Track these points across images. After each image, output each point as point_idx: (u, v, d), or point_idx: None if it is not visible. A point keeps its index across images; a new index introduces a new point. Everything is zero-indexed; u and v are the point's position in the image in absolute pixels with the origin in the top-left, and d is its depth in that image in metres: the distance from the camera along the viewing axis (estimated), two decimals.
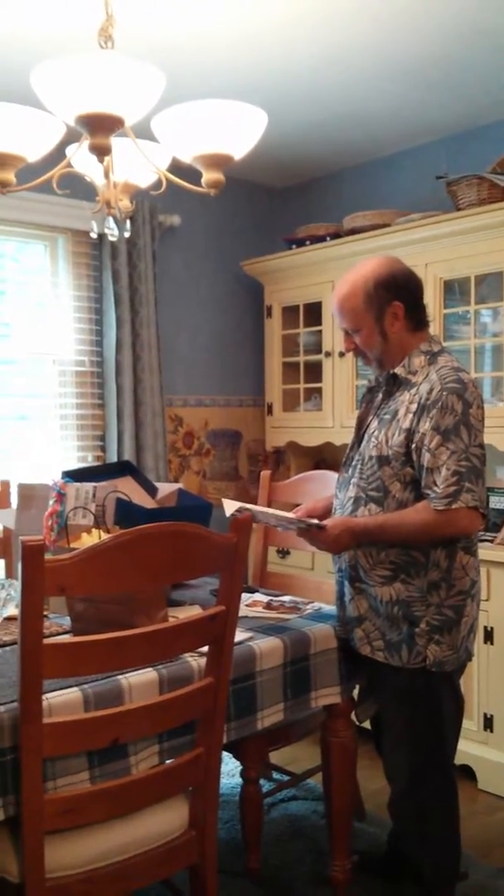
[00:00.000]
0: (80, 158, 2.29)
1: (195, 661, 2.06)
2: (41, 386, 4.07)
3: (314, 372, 4.27)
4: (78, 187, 2.63)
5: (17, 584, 1.65)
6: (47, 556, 1.62)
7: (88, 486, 2.66)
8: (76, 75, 1.88)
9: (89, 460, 4.16)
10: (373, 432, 2.33)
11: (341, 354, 3.99)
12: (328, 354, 4.11)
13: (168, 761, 1.97)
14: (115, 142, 2.14)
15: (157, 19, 2.79)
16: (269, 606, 2.61)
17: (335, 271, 3.96)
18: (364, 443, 2.37)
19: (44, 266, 4.07)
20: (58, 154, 2.29)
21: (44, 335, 4.04)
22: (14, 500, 3.06)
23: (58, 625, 2.28)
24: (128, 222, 2.55)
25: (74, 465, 4.01)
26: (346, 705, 2.45)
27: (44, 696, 1.72)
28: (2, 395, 3.95)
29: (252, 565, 3.25)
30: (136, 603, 2.03)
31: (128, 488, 2.77)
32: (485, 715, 3.23)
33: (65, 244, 4.07)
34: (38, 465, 3.99)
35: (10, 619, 2.34)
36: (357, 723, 2.52)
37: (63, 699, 1.82)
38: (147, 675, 1.96)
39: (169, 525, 1.78)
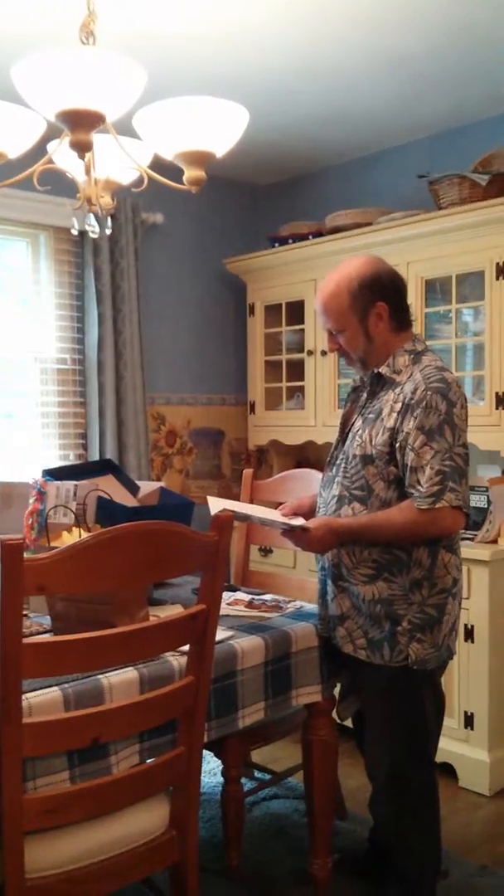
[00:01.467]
0: (62, 155, 2.28)
1: (176, 660, 2.05)
2: (23, 384, 4.05)
3: (296, 370, 4.26)
4: (60, 184, 2.62)
5: None
6: (27, 555, 1.61)
7: (69, 485, 2.64)
8: (57, 71, 1.87)
9: (71, 458, 4.14)
10: (357, 431, 2.33)
11: (323, 353, 3.99)
12: (310, 353, 4.11)
13: (149, 760, 1.97)
14: (97, 138, 2.13)
15: (138, 15, 2.78)
16: (250, 605, 2.61)
17: (318, 270, 3.96)
18: (348, 442, 2.37)
19: (25, 263, 4.05)
20: (39, 150, 2.28)
21: (25, 333, 4.02)
22: None
23: (38, 624, 2.27)
24: (109, 219, 2.54)
25: (56, 463, 3.99)
26: (327, 704, 2.45)
27: (24, 696, 1.71)
28: None
29: (234, 563, 3.24)
30: (117, 602, 2.02)
31: (109, 487, 2.76)
32: (465, 713, 3.24)
33: (47, 241, 4.05)
34: (19, 463, 3.97)
35: None
36: (338, 721, 2.52)
37: (43, 699, 1.81)
38: (128, 674, 1.95)
39: (149, 523, 1.78)
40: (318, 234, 4.06)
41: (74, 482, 2.67)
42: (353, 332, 2.32)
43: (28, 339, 4.02)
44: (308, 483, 2.94)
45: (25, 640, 1.64)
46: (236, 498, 3.43)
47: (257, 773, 3.17)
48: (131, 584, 2.03)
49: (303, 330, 4.19)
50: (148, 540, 1.77)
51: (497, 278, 3.32)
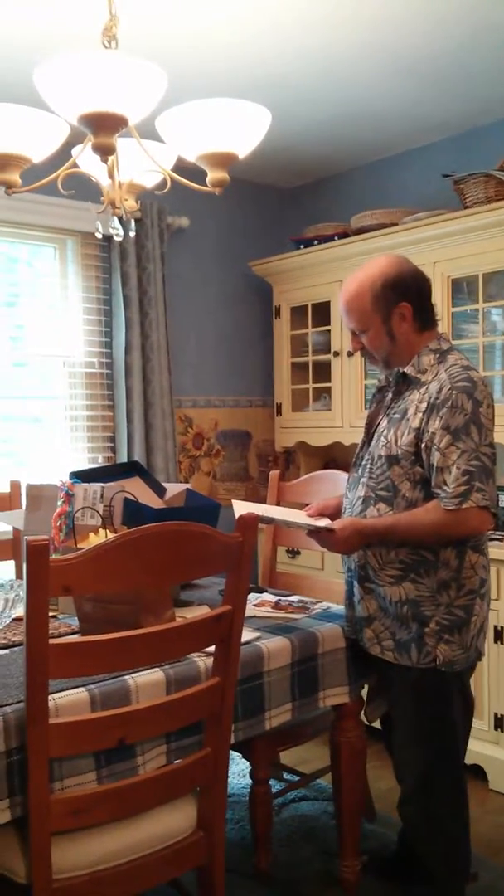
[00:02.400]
0: (86, 159, 2.30)
1: (202, 660, 2.05)
2: (52, 388, 4.08)
3: (323, 372, 4.26)
4: (85, 189, 2.63)
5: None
6: (53, 556, 1.62)
7: (96, 487, 2.66)
8: (80, 75, 1.88)
9: (99, 461, 4.16)
10: (382, 431, 2.32)
11: (350, 354, 3.98)
12: (336, 354, 4.10)
13: (176, 761, 1.97)
14: (120, 142, 2.14)
15: (161, 19, 2.79)
16: (277, 606, 2.60)
17: (343, 271, 3.95)
18: (374, 442, 2.36)
19: (53, 269, 4.08)
20: (63, 155, 2.29)
21: (54, 337, 4.05)
22: (24, 500, 3.06)
23: (66, 625, 2.28)
24: (133, 222, 2.55)
25: (85, 465, 4.01)
26: (354, 705, 2.44)
27: (50, 697, 1.72)
28: (13, 397, 3.96)
29: (261, 565, 3.24)
30: (143, 603, 2.02)
31: (136, 489, 2.77)
32: (495, 715, 3.21)
33: (74, 247, 4.08)
34: (48, 466, 3.99)
35: (18, 619, 2.34)
36: (366, 722, 2.51)
37: (70, 699, 1.82)
38: (154, 674, 1.96)
39: (174, 524, 1.78)
40: (344, 235, 4.06)
41: (101, 484, 2.68)
42: (376, 332, 2.31)
43: (57, 343, 4.05)
44: (335, 484, 2.93)
45: (52, 641, 1.65)
46: (263, 500, 3.43)
47: (286, 775, 3.16)
48: (156, 584, 2.03)
49: (329, 331, 4.19)
50: (172, 541, 1.77)
51: None
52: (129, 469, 3.02)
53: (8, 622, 2.25)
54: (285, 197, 4.89)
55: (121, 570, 1.72)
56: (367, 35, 2.96)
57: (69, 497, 2.67)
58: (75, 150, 2.32)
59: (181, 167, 2.33)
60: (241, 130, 2.12)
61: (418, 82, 3.40)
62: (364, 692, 2.50)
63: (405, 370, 2.31)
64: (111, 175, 2.27)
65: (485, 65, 3.24)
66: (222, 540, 1.86)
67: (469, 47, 3.08)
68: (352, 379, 4.04)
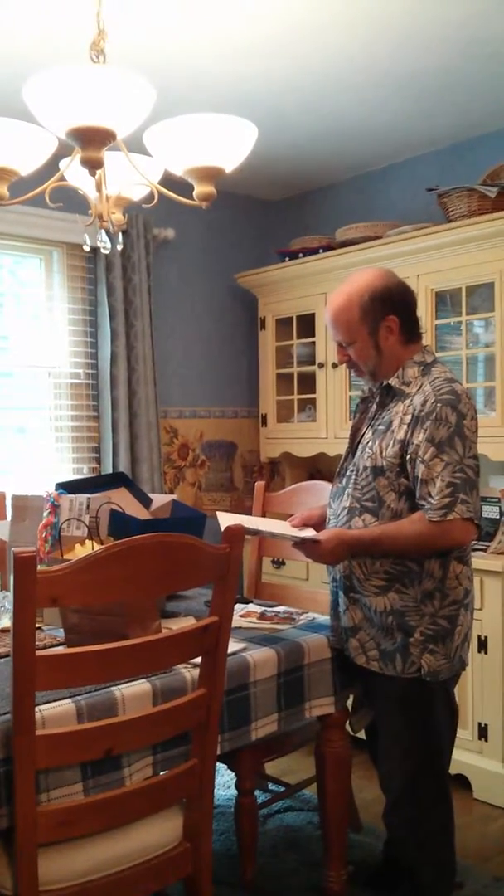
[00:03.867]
0: (73, 172, 2.31)
1: (188, 672, 2.06)
2: (37, 398, 4.08)
3: (308, 383, 4.28)
4: (72, 201, 2.65)
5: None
6: (40, 568, 1.62)
7: (82, 498, 2.66)
8: (68, 89, 1.90)
9: (85, 472, 4.16)
10: (367, 443, 2.34)
11: (334, 365, 4.00)
12: (321, 366, 4.13)
13: (162, 773, 1.97)
14: (108, 155, 2.15)
15: (148, 34, 2.81)
16: (262, 617, 2.61)
17: (328, 283, 3.98)
18: (358, 453, 2.37)
19: (39, 279, 4.08)
20: (51, 168, 2.31)
21: (39, 348, 4.05)
22: (9, 511, 3.05)
23: (52, 636, 2.28)
24: (120, 235, 2.56)
25: (70, 476, 4.01)
26: (340, 715, 2.45)
27: (37, 708, 1.72)
28: None
29: (246, 576, 3.25)
30: (129, 614, 2.03)
31: (122, 500, 2.77)
32: (479, 724, 3.23)
33: (60, 258, 4.08)
34: (33, 476, 3.99)
35: (4, 630, 2.34)
36: (352, 732, 2.52)
37: (56, 711, 1.82)
38: (140, 686, 1.96)
39: (161, 535, 1.79)
40: (329, 247, 4.08)
41: (87, 495, 2.68)
42: (364, 345, 2.33)
43: (42, 354, 4.05)
44: (320, 495, 2.95)
45: (39, 653, 1.66)
46: (248, 510, 3.44)
47: (271, 786, 3.17)
48: (144, 595, 2.04)
49: (314, 343, 4.21)
50: (160, 552, 1.78)
51: None
52: (115, 480, 3.02)
53: None
54: (270, 209, 4.91)
55: (109, 582, 1.72)
56: (354, 50, 2.99)
57: (55, 508, 2.67)
58: (63, 163, 2.33)
59: (168, 180, 2.34)
60: (228, 145, 2.14)
61: (404, 97, 3.43)
62: (349, 702, 2.51)
63: (390, 382, 2.33)
64: (99, 188, 2.28)
65: (471, 80, 3.27)
66: (209, 551, 1.87)
67: (456, 63, 3.12)
68: (336, 390, 4.06)
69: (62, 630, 2.18)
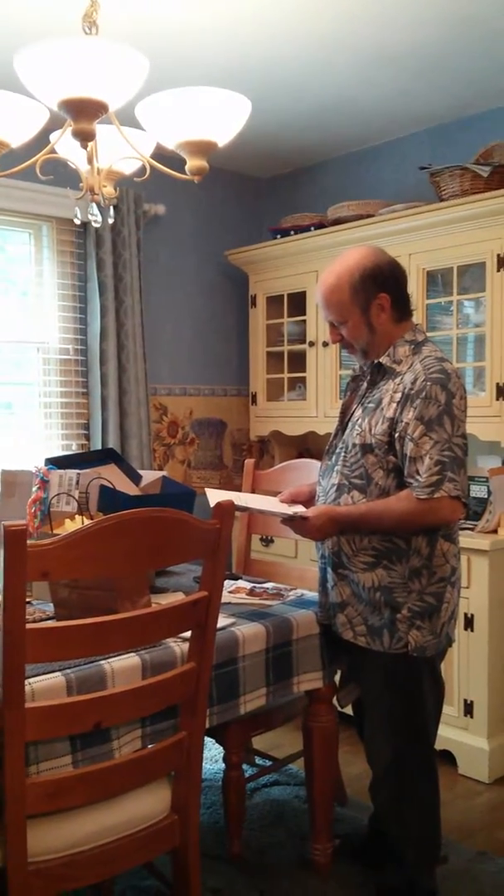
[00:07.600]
0: (65, 145, 2.29)
1: (178, 646, 2.07)
2: (25, 374, 4.06)
3: (298, 361, 4.28)
4: (63, 175, 2.63)
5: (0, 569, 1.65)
6: (30, 542, 1.62)
7: (72, 473, 2.66)
8: (60, 60, 1.88)
9: (73, 448, 4.15)
10: (356, 420, 2.35)
11: (325, 344, 4.00)
12: (312, 344, 4.12)
13: (151, 746, 1.99)
14: (99, 128, 2.14)
15: (141, 6, 2.78)
16: (252, 593, 2.63)
17: (319, 261, 3.97)
18: (348, 431, 2.38)
19: (28, 254, 4.05)
20: (41, 142, 2.29)
21: (28, 323, 4.03)
22: None
23: (41, 611, 2.29)
24: (111, 209, 2.55)
25: (59, 452, 4.01)
26: (327, 690, 2.48)
27: (26, 681, 1.73)
28: None
29: (235, 553, 3.26)
30: (119, 589, 2.04)
31: (112, 476, 2.78)
32: (465, 701, 3.26)
33: (49, 232, 4.05)
34: (22, 452, 3.98)
35: None
36: (339, 707, 2.54)
37: (46, 684, 1.83)
38: (130, 659, 1.97)
39: (151, 510, 1.79)
40: (320, 225, 4.07)
41: (77, 471, 2.68)
42: (356, 324, 2.33)
43: (31, 329, 4.03)
44: (309, 473, 2.95)
45: (29, 626, 1.66)
46: (238, 488, 3.45)
47: (258, 760, 3.20)
48: (134, 570, 2.05)
49: (304, 321, 4.20)
50: (151, 526, 1.78)
51: (498, 270, 3.32)
52: (105, 456, 3.02)
53: None
54: (262, 186, 4.89)
55: (99, 556, 1.73)
56: (348, 26, 2.96)
57: (44, 483, 2.67)
58: (54, 136, 2.31)
59: (160, 154, 2.33)
60: (221, 119, 2.13)
61: (398, 74, 3.41)
62: (337, 678, 2.52)
63: (381, 360, 2.34)
64: (90, 161, 2.27)
65: (465, 59, 3.26)
66: (200, 526, 1.88)
67: (449, 41, 3.10)
68: (327, 369, 4.06)
69: (51, 604, 2.18)
